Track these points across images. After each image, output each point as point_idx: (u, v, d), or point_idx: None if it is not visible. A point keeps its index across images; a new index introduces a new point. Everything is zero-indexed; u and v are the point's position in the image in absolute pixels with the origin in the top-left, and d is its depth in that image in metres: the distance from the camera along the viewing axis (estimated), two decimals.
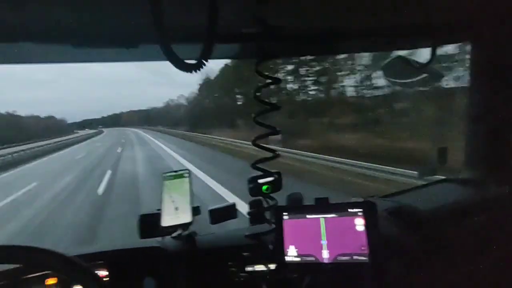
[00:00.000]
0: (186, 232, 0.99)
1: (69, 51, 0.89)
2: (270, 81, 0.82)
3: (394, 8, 0.91)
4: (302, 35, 1.04)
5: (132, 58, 1.08)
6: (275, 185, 0.94)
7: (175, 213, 0.98)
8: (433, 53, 1.17)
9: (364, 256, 0.78)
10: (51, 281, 0.86)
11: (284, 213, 0.86)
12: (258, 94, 0.84)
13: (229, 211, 1.10)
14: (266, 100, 0.85)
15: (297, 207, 0.87)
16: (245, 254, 0.92)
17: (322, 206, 0.85)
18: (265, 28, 0.75)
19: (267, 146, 0.88)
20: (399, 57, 1.32)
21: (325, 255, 0.81)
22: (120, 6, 0.74)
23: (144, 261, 0.92)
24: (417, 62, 1.25)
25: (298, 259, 0.83)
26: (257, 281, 0.92)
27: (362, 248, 0.79)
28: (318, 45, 1.18)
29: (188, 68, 0.72)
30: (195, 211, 1.00)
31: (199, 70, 0.76)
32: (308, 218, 0.84)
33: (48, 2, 0.68)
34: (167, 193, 1.00)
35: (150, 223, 1.03)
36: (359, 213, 0.81)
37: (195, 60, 0.71)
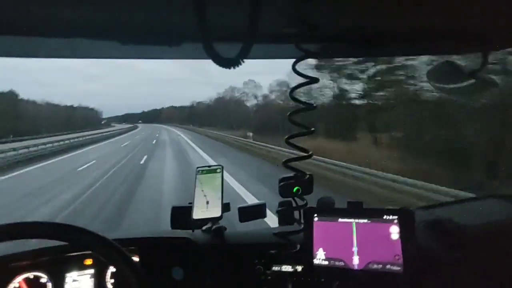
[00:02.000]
0: (216, 226, 1.00)
1: (117, 48, 0.95)
2: (307, 80, 0.81)
3: (442, 10, 0.86)
4: (344, 36, 1.02)
5: (174, 55, 1.13)
6: (307, 187, 0.93)
7: (206, 207, 1.00)
8: (485, 59, 1.09)
9: (398, 266, 0.75)
10: (88, 261, 0.92)
11: (314, 215, 0.84)
12: (295, 91, 0.83)
13: (259, 210, 1.10)
14: (302, 99, 0.84)
15: (329, 209, 0.86)
16: (272, 251, 0.91)
17: (355, 210, 0.82)
18: (305, 28, 0.75)
19: (299, 146, 0.87)
20: (447, 62, 1.24)
21: (356, 261, 0.78)
22: (165, 5, 0.78)
23: (174, 250, 0.95)
24: (466, 68, 1.17)
25: (326, 262, 0.81)
26: (283, 282, 0.91)
27: (396, 257, 0.75)
28: (360, 47, 1.15)
29: (227, 64, 0.74)
30: (225, 207, 1.01)
31: (237, 67, 0.78)
32: (339, 221, 0.82)
33: (99, 1, 0.73)
34: (199, 187, 1.03)
35: (181, 215, 1.06)
36: (395, 221, 0.77)
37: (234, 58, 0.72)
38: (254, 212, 1.11)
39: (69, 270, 0.90)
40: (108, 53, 1.08)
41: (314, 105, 0.82)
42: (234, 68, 0.76)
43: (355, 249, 0.79)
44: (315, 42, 0.93)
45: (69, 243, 0.58)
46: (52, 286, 0.88)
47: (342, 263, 0.79)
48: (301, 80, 0.83)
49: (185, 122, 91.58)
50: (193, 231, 1.04)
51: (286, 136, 0.86)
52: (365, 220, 0.80)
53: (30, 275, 0.88)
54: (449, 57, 1.35)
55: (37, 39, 0.86)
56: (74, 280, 0.90)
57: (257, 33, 0.69)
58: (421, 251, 0.82)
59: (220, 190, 1.02)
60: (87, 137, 27.26)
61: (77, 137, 24.70)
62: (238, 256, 0.97)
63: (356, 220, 0.80)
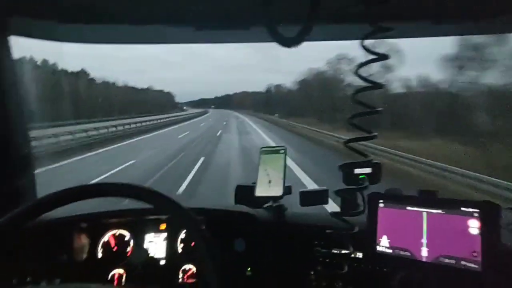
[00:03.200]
0: (277, 204, 1.03)
1: (191, 33, 1.01)
2: (375, 57, 0.76)
3: None
4: (414, 13, 0.91)
5: (243, 39, 1.16)
6: (373, 177, 0.88)
7: (268, 185, 1.03)
8: None
9: (475, 264, 0.67)
10: (163, 226, 1.03)
11: (380, 200, 0.80)
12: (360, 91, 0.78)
13: (321, 196, 1.08)
14: (364, 102, 0.78)
15: (397, 196, 0.80)
16: (329, 231, 0.89)
17: (427, 199, 0.76)
18: (374, 4, 0.70)
19: (358, 150, 0.83)
20: None
21: (424, 252, 0.73)
22: None
23: (237, 223, 1.00)
24: None
25: (390, 251, 0.77)
26: (341, 265, 0.89)
27: (474, 254, 0.68)
28: (432, 25, 1.02)
29: (288, 43, 0.73)
30: (287, 189, 1.03)
31: (297, 45, 0.77)
32: (408, 209, 0.76)
33: None
34: (262, 166, 1.06)
35: (244, 193, 1.11)
36: (475, 214, 0.69)
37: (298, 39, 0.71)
38: (316, 197, 1.09)
39: (147, 232, 1.02)
40: (182, 39, 1.16)
41: (383, 83, 0.77)
42: (295, 46, 0.75)
43: (424, 240, 0.73)
44: (382, 21, 0.86)
45: (154, 206, 0.65)
46: (134, 243, 1.01)
47: (408, 253, 0.75)
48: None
49: (260, 108, 75.71)
50: (254, 208, 1.08)
51: (345, 140, 0.82)
52: (439, 211, 0.73)
53: (117, 232, 1.02)
54: None
55: (119, 26, 0.96)
56: (150, 241, 1.02)
57: (318, 13, 0.66)
58: (505, 253, 0.72)
59: (283, 170, 1.03)
60: (149, 123, 25.47)
61: (137, 122, 23.29)
62: (297, 235, 0.98)
63: (428, 210, 0.74)
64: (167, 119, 29.45)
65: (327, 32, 1.02)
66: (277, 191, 1.01)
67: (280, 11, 0.65)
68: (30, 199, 0.99)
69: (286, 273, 0.96)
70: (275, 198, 1.03)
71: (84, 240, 0.99)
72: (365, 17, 0.73)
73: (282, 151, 1.06)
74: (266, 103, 76.00)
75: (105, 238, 1.02)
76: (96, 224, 1.02)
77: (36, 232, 0.93)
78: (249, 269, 0.95)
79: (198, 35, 1.04)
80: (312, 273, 0.93)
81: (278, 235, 0.98)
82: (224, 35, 1.06)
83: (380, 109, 0.76)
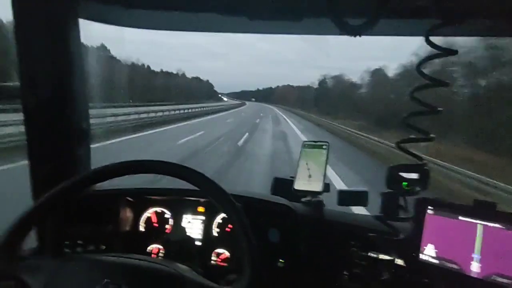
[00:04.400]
0: (315, 199, 1.01)
1: (245, 23, 1.02)
2: (440, 52, 0.70)
3: None
4: (478, 13, 0.83)
5: (297, 30, 1.14)
6: (420, 182, 0.82)
7: (308, 180, 1.01)
8: None
9: None
10: (201, 209, 1.06)
11: (429, 207, 0.75)
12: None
13: (360, 197, 1.05)
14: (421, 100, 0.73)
15: (449, 204, 0.74)
16: (371, 234, 0.86)
17: (484, 211, 0.69)
18: (438, 2, 0.65)
19: (412, 152, 0.77)
20: None
21: (475, 268, 0.67)
22: None
23: (273, 213, 1.00)
24: None
25: (436, 261, 0.72)
26: (378, 270, 0.86)
27: None
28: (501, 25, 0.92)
29: (354, 31, 0.70)
30: (325, 187, 1.00)
31: (363, 34, 0.73)
32: (461, 219, 0.71)
33: None
34: (303, 160, 1.05)
35: (281, 186, 1.11)
36: None
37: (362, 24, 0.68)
38: (355, 198, 1.06)
39: (185, 212, 1.07)
40: (236, 28, 1.17)
41: (447, 81, 0.71)
42: (360, 36, 0.72)
43: (476, 254, 0.67)
44: (449, 18, 0.79)
45: (199, 188, 0.67)
46: (173, 221, 1.06)
47: (455, 266, 0.69)
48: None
49: (306, 105, 59.03)
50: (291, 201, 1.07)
51: (398, 140, 0.77)
52: (497, 225, 0.67)
53: (159, 209, 1.07)
54: None
55: (177, 13, 0.99)
56: (188, 222, 1.06)
57: (385, 6, 0.63)
58: None
59: (324, 166, 1.01)
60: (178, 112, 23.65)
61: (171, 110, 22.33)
62: (334, 233, 0.95)
63: (484, 223, 0.68)
64: (190, 111, 27.64)
65: (393, 27, 0.96)
66: (317, 186, 1.00)
67: (343, 2, 0.63)
68: (85, 169, 1.07)
69: (319, 269, 0.94)
70: (314, 193, 1.01)
71: (129, 213, 1.06)
72: (433, 12, 0.68)
73: (325, 146, 1.04)
74: (316, 99, 57.08)
75: (148, 213, 1.07)
76: (140, 200, 1.08)
77: (88, 201, 1.01)
78: (281, 260, 0.95)
79: (252, 25, 1.04)
80: (346, 273, 0.91)
81: (314, 230, 0.96)
82: (278, 26, 1.05)
83: (440, 109, 0.71)
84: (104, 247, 0.99)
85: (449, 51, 0.69)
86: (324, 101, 48.61)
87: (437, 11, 0.69)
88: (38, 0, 0.89)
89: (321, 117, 31.05)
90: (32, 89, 0.92)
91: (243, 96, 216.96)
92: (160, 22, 1.17)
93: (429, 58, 0.72)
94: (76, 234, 0.99)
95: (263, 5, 0.93)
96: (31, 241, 0.95)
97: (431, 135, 0.73)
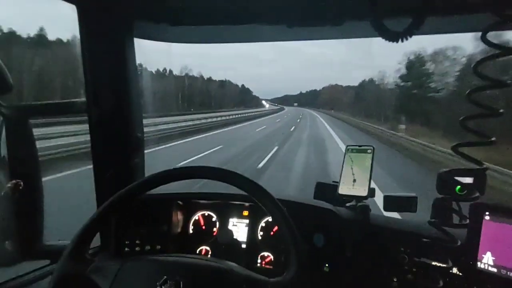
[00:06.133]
0: (361, 204, 1.00)
1: (285, 31, 1.05)
2: (500, 51, 0.66)
3: None
4: None
5: (336, 35, 1.14)
6: (476, 187, 0.78)
7: (353, 184, 1.01)
8: None
9: None
10: (245, 213, 1.10)
11: (486, 212, 0.71)
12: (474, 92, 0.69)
13: (408, 203, 1.01)
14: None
15: (509, 209, 0.70)
16: (425, 240, 0.83)
17: None
18: None
19: (470, 156, 0.73)
20: None
21: None
22: None
23: (317, 218, 1.01)
24: None
25: (494, 270, 0.68)
26: (431, 278, 0.83)
27: None
28: None
29: (395, 38, 0.70)
30: (371, 192, 0.99)
31: (406, 39, 0.73)
32: None
33: None
34: (348, 164, 1.04)
35: (324, 191, 1.11)
36: None
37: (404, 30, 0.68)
38: (403, 204, 1.02)
39: (231, 216, 1.11)
40: (277, 37, 1.21)
41: (509, 82, 0.67)
42: (402, 41, 0.71)
43: None
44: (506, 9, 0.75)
45: (247, 192, 0.71)
46: (219, 224, 1.11)
47: None
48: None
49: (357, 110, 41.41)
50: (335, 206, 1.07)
51: (454, 144, 0.74)
52: None
53: (206, 212, 1.13)
54: None
55: (219, 27, 1.05)
56: (233, 225, 1.10)
57: (432, 5, 0.62)
58: None
59: (369, 171, 1.00)
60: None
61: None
62: (381, 238, 0.94)
63: None
64: (226, 118, 27.93)
65: (439, 24, 0.93)
66: (362, 191, 0.99)
67: (385, 3, 0.63)
68: (140, 175, 1.17)
69: (365, 275, 0.93)
70: (359, 198, 1.00)
71: (179, 216, 1.13)
72: (487, 6, 0.65)
73: (370, 150, 1.03)
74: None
75: (196, 216, 1.14)
76: (189, 203, 1.15)
77: (144, 205, 1.10)
78: (327, 265, 0.96)
79: (291, 33, 1.07)
80: (395, 280, 0.89)
81: (360, 235, 0.95)
82: (318, 31, 1.06)
83: (501, 111, 0.67)
84: (159, 247, 1.06)
85: (509, 49, 0.65)
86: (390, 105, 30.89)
87: (491, 4, 0.66)
88: (100, 25, 1.00)
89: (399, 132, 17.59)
90: (95, 105, 1.03)
91: (286, 101, 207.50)
92: (204, 36, 1.24)
93: (488, 58, 0.68)
94: (134, 235, 1.08)
95: (301, 13, 0.95)
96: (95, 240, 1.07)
97: (492, 139, 0.69)
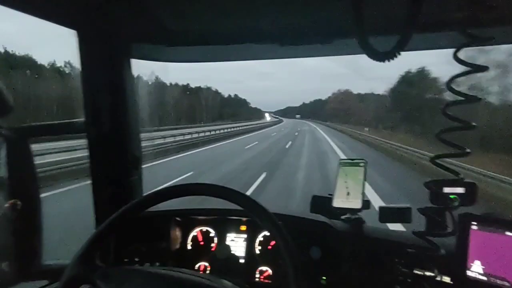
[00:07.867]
0: (355, 217, 1.03)
1: (277, 49, 1.09)
2: (470, 69, 0.71)
3: None
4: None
5: (327, 52, 1.19)
6: (467, 198, 0.81)
7: (347, 197, 1.03)
8: None
9: None
10: (243, 227, 1.12)
11: (473, 222, 0.74)
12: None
13: (403, 214, 1.03)
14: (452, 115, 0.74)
15: (495, 219, 0.73)
16: (410, 250, 0.86)
17: None
18: (477, 10, 0.66)
19: (448, 167, 0.77)
20: None
21: None
22: (321, 7, 0.85)
23: (313, 231, 1.03)
24: None
25: (484, 278, 0.71)
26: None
27: None
28: None
29: (382, 58, 0.74)
30: (365, 204, 1.02)
31: (392, 60, 0.77)
32: (507, 235, 0.70)
33: (260, 11, 0.88)
34: (341, 178, 1.07)
35: (320, 204, 1.14)
36: None
37: (389, 50, 0.72)
38: (398, 215, 1.04)
39: (229, 231, 1.12)
40: (270, 55, 1.26)
41: (479, 97, 0.72)
42: (389, 61, 0.76)
43: None
44: (483, 26, 0.80)
45: (243, 207, 0.73)
46: (217, 240, 1.12)
47: (506, 284, 0.68)
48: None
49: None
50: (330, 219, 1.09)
51: (432, 156, 0.78)
52: None
53: (204, 228, 1.15)
54: None
55: (215, 47, 1.09)
56: (231, 240, 1.11)
57: (416, 23, 0.66)
58: None
59: (362, 183, 1.03)
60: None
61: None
62: (376, 250, 0.96)
63: None
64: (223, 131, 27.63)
65: (423, 41, 0.98)
66: (356, 203, 1.01)
67: (371, 23, 0.68)
68: (138, 192, 1.19)
69: (361, 286, 0.94)
70: (353, 211, 1.03)
71: (178, 232, 1.14)
72: (463, 24, 0.69)
73: (362, 164, 1.06)
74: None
75: (194, 232, 1.15)
76: (187, 219, 1.16)
77: (143, 222, 1.11)
78: (324, 277, 0.97)
79: (283, 51, 1.11)
80: None
81: (356, 247, 0.97)
82: (309, 49, 1.11)
83: (474, 124, 0.72)
84: (158, 263, 1.07)
85: (479, 67, 0.70)
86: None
87: (466, 23, 0.71)
88: (98, 48, 1.04)
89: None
90: (93, 125, 1.06)
91: (288, 113, 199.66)
92: (200, 56, 1.29)
93: (461, 74, 0.73)
94: (133, 252, 1.09)
95: (293, 32, 1.00)
96: None
97: (467, 150, 0.73)
